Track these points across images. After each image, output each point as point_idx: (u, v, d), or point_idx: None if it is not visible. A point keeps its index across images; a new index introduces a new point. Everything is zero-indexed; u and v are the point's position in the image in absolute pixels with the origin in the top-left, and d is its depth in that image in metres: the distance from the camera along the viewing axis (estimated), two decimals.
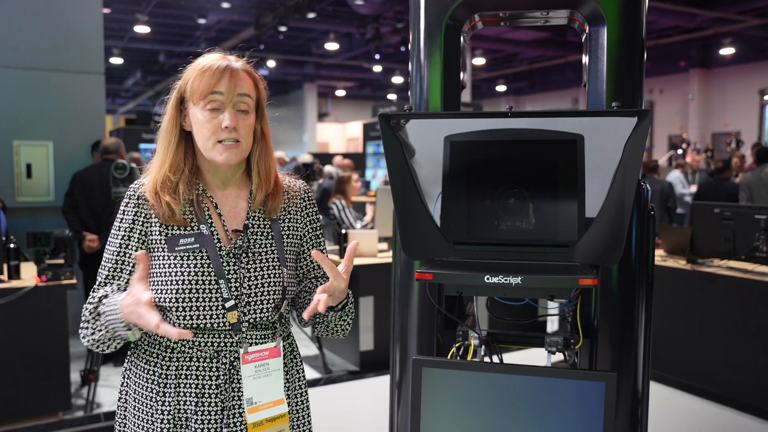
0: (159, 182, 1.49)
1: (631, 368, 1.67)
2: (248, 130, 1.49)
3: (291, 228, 1.61)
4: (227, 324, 1.47)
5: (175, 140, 1.51)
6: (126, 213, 1.51)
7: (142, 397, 1.50)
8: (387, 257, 5.13)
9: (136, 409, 1.51)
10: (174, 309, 1.45)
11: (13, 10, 5.42)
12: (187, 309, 1.44)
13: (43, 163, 5.57)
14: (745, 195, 6.66)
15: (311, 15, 12.72)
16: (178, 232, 1.48)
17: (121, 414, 1.57)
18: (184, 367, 1.47)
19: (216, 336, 1.47)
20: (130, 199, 1.52)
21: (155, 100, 24.20)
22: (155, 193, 1.48)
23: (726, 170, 7.48)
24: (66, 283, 3.95)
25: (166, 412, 1.46)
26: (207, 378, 1.47)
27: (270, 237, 1.55)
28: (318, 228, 1.68)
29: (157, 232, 1.48)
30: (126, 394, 1.56)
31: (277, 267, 1.53)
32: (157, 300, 1.47)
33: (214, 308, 1.45)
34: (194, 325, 1.46)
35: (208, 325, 1.46)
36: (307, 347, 5.47)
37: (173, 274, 1.45)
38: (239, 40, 15.45)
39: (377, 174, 15.77)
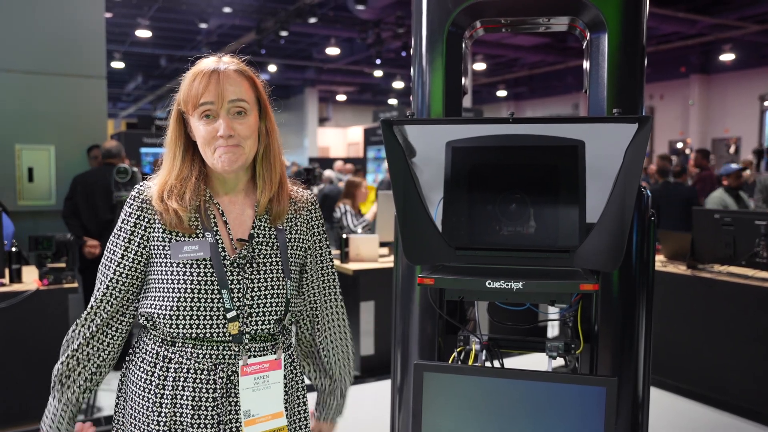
0: (166, 189, 1.46)
1: (631, 373, 1.67)
2: (249, 132, 1.45)
3: (297, 240, 1.58)
4: (228, 335, 1.44)
5: (181, 150, 1.49)
6: (129, 215, 1.48)
7: (138, 405, 1.48)
8: (388, 262, 5.13)
9: (133, 417, 1.49)
10: (174, 317, 1.43)
11: (15, 14, 5.44)
12: (188, 318, 1.42)
13: (44, 166, 5.58)
14: (762, 196, 6.64)
15: (312, 20, 12.75)
16: (182, 238, 1.45)
17: (118, 420, 1.55)
18: (181, 379, 1.44)
19: (215, 348, 1.45)
20: (133, 201, 1.48)
21: (156, 104, 24.26)
22: (161, 199, 1.45)
23: (683, 174, 7.38)
24: (67, 287, 3.95)
25: (162, 423, 1.44)
26: (204, 390, 1.44)
27: (275, 248, 1.52)
28: (324, 240, 1.66)
29: (160, 238, 1.45)
30: (123, 401, 1.54)
31: (281, 279, 1.51)
32: (156, 308, 1.45)
33: (215, 318, 1.43)
34: (194, 335, 1.43)
35: (208, 335, 1.43)
36: None
37: (175, 281, 1.43)
38: (240, 45, 15.45)
39: (378, 179, 15.78)
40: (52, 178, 5.62)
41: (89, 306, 1.50)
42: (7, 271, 3.91)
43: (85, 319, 1.50)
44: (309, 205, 1.63)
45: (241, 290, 1.46)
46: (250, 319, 1.46)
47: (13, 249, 3.92)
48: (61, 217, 5.30)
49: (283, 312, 1.52)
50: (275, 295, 1.50)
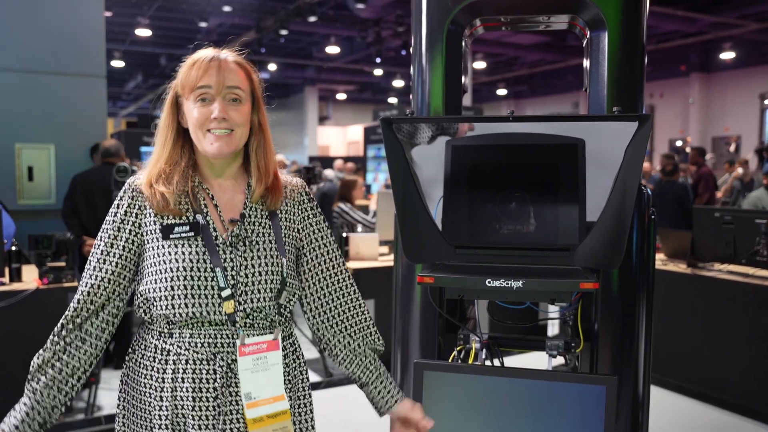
0: (154, 175, 1.49)
1: (631, 372, 1.67)
2: (242, 119, 1.48)
3: (289, 221, 1.59)
4: (223, 314, 1.45)
5: (172, 136, 1.51)
6: (120, 206, 1.50)
7: (139, 402, 1.48)
8: (388, 261, 5.13)
9: (134, 414, 1.50)
10: (169, 297, 1.43)
11: (14, 14, 5.44)
12: (182, 298, 1.42)
13: (44, 166, 5.58)
14: None
15: (312, 18, 12.74)
16: (173, 221, 1.47)
17: (120, 420, 1.56)
18: (180, 370, 1.45)
19: (212, 335, 1.45)
20: (125, 192, 1.51)
21: (156, 103, 24.23)
22: (150, 185, 1.48)
23: (675, 173, 7.38)
24: (67, 286, 3.95)
25: (163, 417, 1.44)
26: (204, 381, 1.44)
27: (268, 227, 1.54)
28: (321, 221, 1.65)
29: (152, 222, 1.47)
30: (124, 401, 1.55)
31: (276, 256, 1.51)
32: (151, 291, 1.45)
33: (209, 297, 1.43)
34: (189, 315, 1.43)
35: (204, 314, 1.43)
36: (308, 351, 5.47)
37: (167, 262, 1.44)
38: (240, 44, 15.46)
39: (378, 177, 15.79)
40: (52, 177, 5.62)
41: (76, 299, 1.49)
42: (7, 270, 3.91)
43: (75, 310, 1.47)
44: (299, 188, 1.64)
45: (235, 268, 1.47)
46: (245, 296, 1.47)
47: (13, 248, 3.92)
48: (60, 217, 5.30)
49: (278, 289, 1.52)
50: (270, 273, 1.50)
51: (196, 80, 1.45)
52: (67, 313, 1.49)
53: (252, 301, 1.48)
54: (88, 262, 1.51)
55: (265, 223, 1.54)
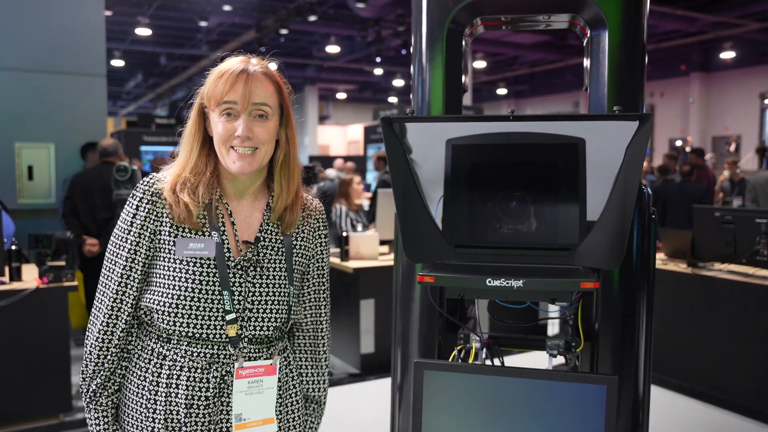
0: (179, 182, 1.44)
1: (632, 371, 1.67)
2: (268, 136, 1.44)
3: (302, 247, 1.56)
4: (225, 337, 1.44)
5: (198, 144, 1.48)
6: (139, 209, 1.45)
7: (133, 403, 1.48)
8: (388, 260, 5.13)
9: (129, 416, 1.49)
10: (172, 314, 1.41)
11: (15, 13, 5.44)
12: (185, 316, 1.41)
13: (44, 165, 5.59)
14: (751, 196, 6.69)
15: (312, 18, 12.75)
16: (188, 235, 1.44)
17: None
18: (175, 377, 1.44)
19: (211, 347, 1.44)
20: (144, 194, 1.45)
21: (156, 102, 24.25)
22: (173, 191, 1.43)
23: (692, 173, 7.46)
24: (67, 285, 3.95)
25: (156, 421, 1.44)
26: (197, 389, 1.43)
27: (281, 253, 1.51)
28: (326, 250, 1.65)
29: (167, 232, 1.44)
30: (119, 401, 1.54)
31: (284, 285, 1.50)
32: (155, 303, 1.44)
33: (213, 319, 1.42)
34: (190, 334, 1.42)
35: (204, 335, 1.43)
36: None
37: (177, 278, 1.42)
38: (240, 43, 15.48)
39: (378, 177, 15.76)
40: (52, 176, 5.62)
41: (107, 309, 1.47)
42: (7, 270, 3.91)
43: (107, 325, 1.47)
44: (317, 213, 1.62)
45: (243, 293, 1.45)
46: (249, 323, 1.46)
47: (13, 247, 3.92)
48: (60, 216, 5.30)
49: (285, 319, 1.51)
50: (277, 301, 1.49)
51: (222, 95, 1.40)
52: (105, 320, 1.47)
53: (255, 329, 1.47)
54: (109, 269, 1.48)
55: (278, 248, 1.51)
